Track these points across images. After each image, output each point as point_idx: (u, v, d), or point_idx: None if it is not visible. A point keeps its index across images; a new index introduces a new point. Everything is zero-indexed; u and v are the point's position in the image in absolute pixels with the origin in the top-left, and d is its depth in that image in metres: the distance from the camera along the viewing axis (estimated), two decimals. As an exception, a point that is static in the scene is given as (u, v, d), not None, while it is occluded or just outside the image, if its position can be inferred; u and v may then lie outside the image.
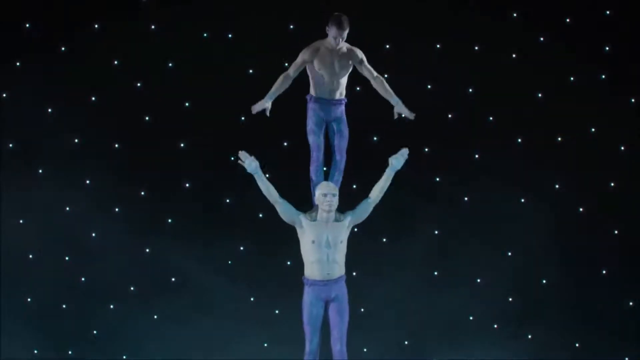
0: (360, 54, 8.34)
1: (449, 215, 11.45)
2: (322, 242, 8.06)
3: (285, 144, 11.21)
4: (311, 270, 8.08)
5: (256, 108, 8.27)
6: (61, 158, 11.21)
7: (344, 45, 8.28)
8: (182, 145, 11.34)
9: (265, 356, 11.31)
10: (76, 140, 11.27)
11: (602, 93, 11.43)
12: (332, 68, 8.28)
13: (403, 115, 8.38)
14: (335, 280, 8.08)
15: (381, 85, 8.38)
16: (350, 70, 8.37)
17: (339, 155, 8.43)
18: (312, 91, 8.43)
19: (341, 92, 8.42)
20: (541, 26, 11.42)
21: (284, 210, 8.17)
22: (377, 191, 8.21)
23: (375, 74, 8.38)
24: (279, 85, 8.29)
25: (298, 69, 8.29)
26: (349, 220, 8.15)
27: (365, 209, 8.19)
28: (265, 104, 8.26)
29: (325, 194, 8.09)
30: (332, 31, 8.16)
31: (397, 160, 8.21)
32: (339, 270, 8.11)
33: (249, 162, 8.16)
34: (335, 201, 8.09)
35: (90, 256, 11.24)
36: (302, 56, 8.28)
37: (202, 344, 11.32)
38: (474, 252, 11.42)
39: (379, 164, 11.17)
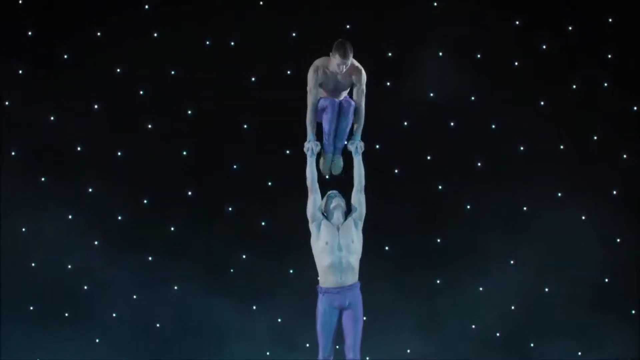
0: (363, 78, 8.19)
1: (452, 224, 11.45)
2: (335, 246, 8.04)
3: (287, 152, 11.20)
4: (325, 277, 8.05)
5: (309, 151, 8.20)
6: (63, 166, 11.20)
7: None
8: (184, 152, 11.34)
9: (268, 364, 11.33)
10: (79, 148, 11.26)
11: (604, 100, 11.43)
12: (334, 86, 8.21)
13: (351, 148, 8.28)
14: (349, 287, 8.05)
15: (359, 113, 8.25)
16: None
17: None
18: None
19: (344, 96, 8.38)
20: (543, 34, 11.42)
21: (316, 202, 8.12)
22: (357, 178, 8.18)
23: (362, 101, 8.22)
24: (312, 117, 8.21)
25: (316, 93, 8.17)
26: (353, 217, 8.13)
27: (358, 201, 8.15)
28: (315, 147, 8.18)
29: (333, 196, 8.14)
30: (336, 59, 8.03)
31: (355, 147, 8.19)
32: (353, 276, 8.09)
33: (310, 146, 8.15)
34: (342, 202, 8.13)
35: (92, 264, 11.23)
36: (313, 79, 8.14)
37: (204, 351, 11.31)
38: (476, 261, 11.41)
39: (383, 172, 11.23)
